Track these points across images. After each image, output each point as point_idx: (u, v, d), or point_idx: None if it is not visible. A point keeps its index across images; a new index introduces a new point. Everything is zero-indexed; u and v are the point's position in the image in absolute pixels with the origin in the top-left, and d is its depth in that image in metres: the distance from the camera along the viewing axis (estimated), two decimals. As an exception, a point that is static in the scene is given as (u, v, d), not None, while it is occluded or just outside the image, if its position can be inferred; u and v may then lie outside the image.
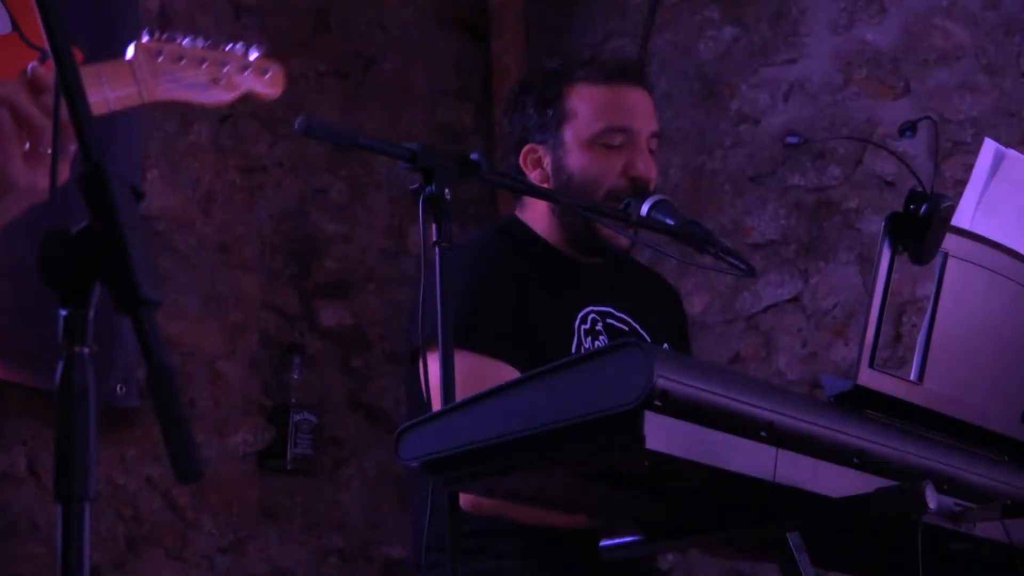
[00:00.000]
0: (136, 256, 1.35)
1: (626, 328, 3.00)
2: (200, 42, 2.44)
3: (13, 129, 2.07)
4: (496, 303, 2.86)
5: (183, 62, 2.41)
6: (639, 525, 2.30)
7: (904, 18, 4.51)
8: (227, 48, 2.47)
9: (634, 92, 3.04)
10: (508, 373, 2.74)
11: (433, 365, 2.40)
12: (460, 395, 2.30)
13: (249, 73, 2.49)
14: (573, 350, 2.90)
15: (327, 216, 4.65)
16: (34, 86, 2.09)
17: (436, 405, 2.40)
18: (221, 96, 2.48)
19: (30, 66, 2.16)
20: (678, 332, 3.16)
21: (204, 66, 2.43)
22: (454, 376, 2.34)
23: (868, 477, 2.11)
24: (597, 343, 2.94)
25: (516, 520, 2.78)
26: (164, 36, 2.40)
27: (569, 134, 2.99)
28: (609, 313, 3.00)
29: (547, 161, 3.01)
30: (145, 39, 2.38)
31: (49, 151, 2.06)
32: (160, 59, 2.38)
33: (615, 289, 3.05)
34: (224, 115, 4.42)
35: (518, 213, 3.09)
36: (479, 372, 2.69)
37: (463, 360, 2.40)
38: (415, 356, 2.85)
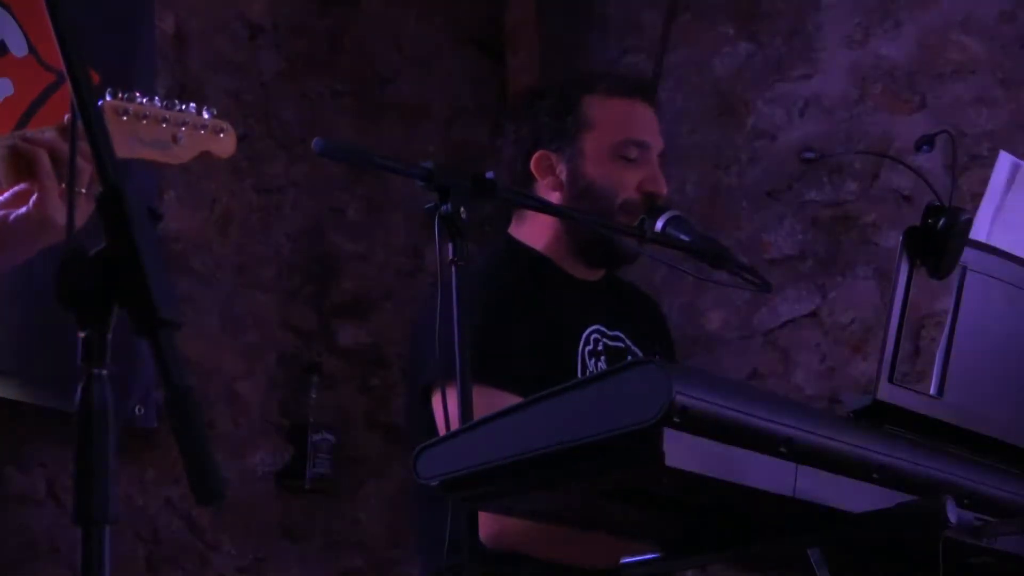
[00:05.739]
0: (154, 277, 1.35)
1: (622, 346, 3.00)
2: (158, 102, 2.49)
3: (51, 171, 2.28)
4: (510, 335, 2.85)
5: (145, 121, 2.45)
6: (658, 542, 2.30)
7: (919, 32, 4.50)
8: (183, 108, 2.52)
9: (647, 109, 3.06)
10: None
11: (450, 403, 2.39)
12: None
13: (205, 133, 2.54)
14: (579, 372, 2.90)
15: (344, 235, 4.66)
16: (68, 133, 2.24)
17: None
18: (179, 155, 2.53)
19: (66, 117, 2.32)
20: (665, 348, 3.16)
21: (165, 125, 2.47)
22: (472, 403, 2.33)
23: (888, 492, 2.10)
24: (599, 363, 2.94)
25: (536, 556, 2.78)
26: (125, 96, 2.44)
27: (588, 143, 2.99)
28: (604, 332, 3.00)
29: (560, 168, 3.00)
30: (109, 98, 2.42)
31: (84, 191, 2.18)
32: (125, 118, 2.42)
33: (609, 308, 3.05)
34: (240, 135, 4.42)
35: (514, 231, 3.08)
36: (495, 407, 2.68)
37: (478, 395, 2.38)
38: (426, 392, 2.84)
